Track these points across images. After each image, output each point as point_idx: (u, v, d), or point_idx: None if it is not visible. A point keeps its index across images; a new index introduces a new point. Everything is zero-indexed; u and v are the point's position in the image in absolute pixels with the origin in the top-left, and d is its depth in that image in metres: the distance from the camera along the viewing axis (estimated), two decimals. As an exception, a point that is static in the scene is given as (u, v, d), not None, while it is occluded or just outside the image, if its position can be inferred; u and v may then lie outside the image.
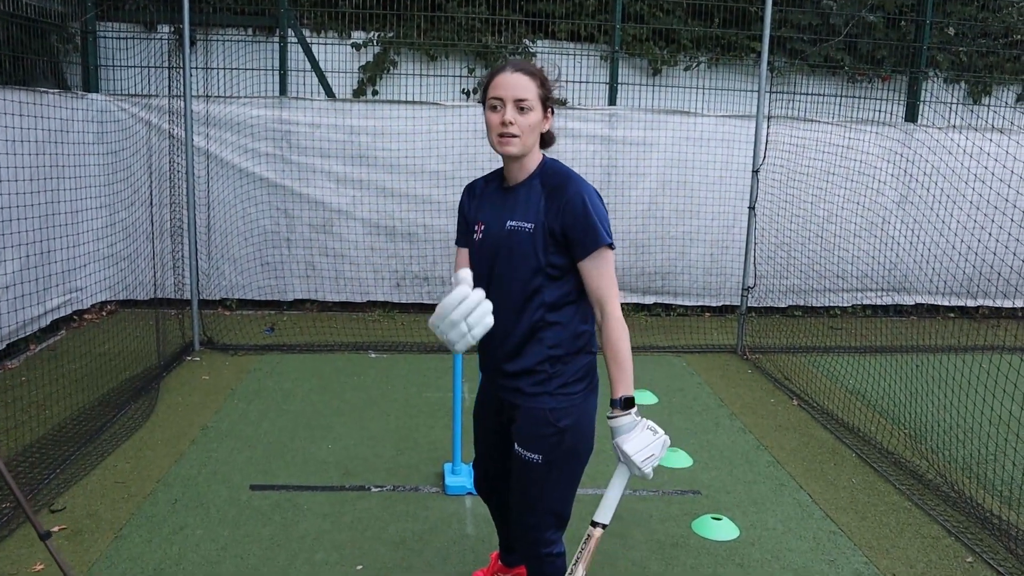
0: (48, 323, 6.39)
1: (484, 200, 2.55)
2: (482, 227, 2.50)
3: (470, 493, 4.02)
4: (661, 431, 2.34)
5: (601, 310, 2.35)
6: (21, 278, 5.81)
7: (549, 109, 2.40)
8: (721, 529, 3.72)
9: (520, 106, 2.32)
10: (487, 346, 2.51)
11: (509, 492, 2.63)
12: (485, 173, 2.56)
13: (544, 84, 2.37)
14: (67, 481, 4.02)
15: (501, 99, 2.32)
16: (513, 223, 2.40)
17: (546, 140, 2.48)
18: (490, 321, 2.19)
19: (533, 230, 2.35)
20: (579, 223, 2.30)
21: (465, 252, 2.59)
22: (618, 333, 2.31)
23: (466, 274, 2.24)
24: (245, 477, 4.14)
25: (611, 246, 2.34)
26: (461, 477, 4.07)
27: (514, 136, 2.33)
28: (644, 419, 2.34)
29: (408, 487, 4.09)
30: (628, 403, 2.31)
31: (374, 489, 4.06)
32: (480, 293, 2.20)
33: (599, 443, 2.59)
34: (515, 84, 2.32)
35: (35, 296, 6.05)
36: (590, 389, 2.49)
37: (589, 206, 2.31)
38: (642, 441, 2.29)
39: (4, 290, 5.56)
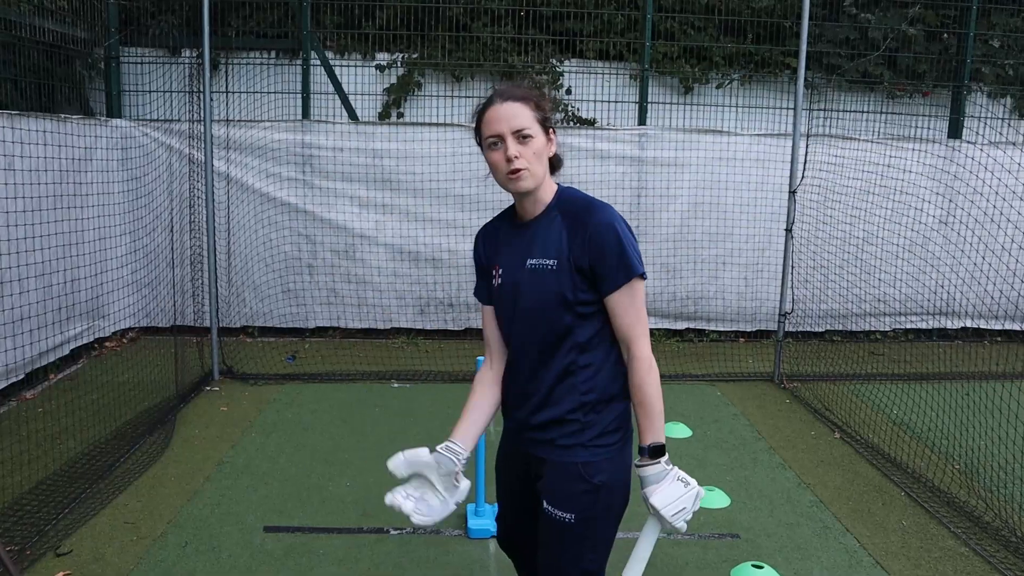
0: (68, 352, 6.30)
1: (499, 242, 2.32)
2: (500, 271, 2.27)
3: (494, 536, 3.80)
4: (694, 482, 2.12)
5: (628, 349, 2.14)
6: (43, 308, 5.73)
7: (551, 130, 2.19)
8: (762, 579, 3.47)
9: (520, 136, 2.10)
10: (512, 395, 2.30)
11: (536, 551, 2.41)
12: (508, 196, 2.28)
13: (539, 105, 2.15)
14: (76, 521, 3.87)
15: (499, 135, 2.11)
16: (533, 261, 2.17)
17: (554, 165, 2.25)
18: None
19: (557, 266, 2.13)
20: (609, 253, 2.08)
21: (491, 310, 2.35)
22: (646, 376, 2.11)
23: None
24: (259, 518, 3.97)
25: (643, 276, 2.13)
26: (485, 520, 3.86)
27: (523, 169, 2.11)
28: (675, 468, 2.14)
29: (429, 530, 3.88)
30: (657, 451, 2.11)
31: (393, 532, 3.86)
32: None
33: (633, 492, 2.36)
34: (510, 115, 2.10)
35: (56, 325, 5.96)
36: (626, 440, 2.25)
37: (620, 234, 2.09)
38: (672, 493, 2.09)
39: (23, 321, 5.46)
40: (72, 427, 5.01)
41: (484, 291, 2.37)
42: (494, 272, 2.29)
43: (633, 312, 2.12)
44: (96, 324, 6.67)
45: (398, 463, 2.12)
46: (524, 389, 2.24)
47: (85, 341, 6.56)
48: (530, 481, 2.33)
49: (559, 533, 2.19)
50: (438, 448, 2.18)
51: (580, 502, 2.15)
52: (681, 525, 2.10)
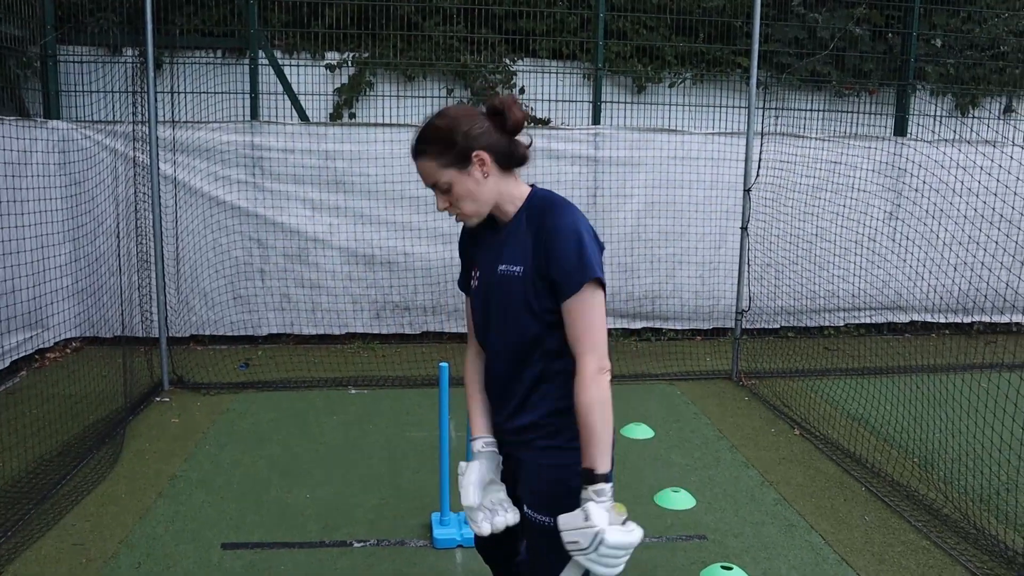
0: (7, 364, 6.04)
1: (479, 241, 2.24)
2: (476, 272, 2.22)
3: (460, 546, 3.73)
4: (597, 523, 1.83)
5: (575, 362, 1.99)
6: (-22, 318, 5.48)
7: (473, 156, 2.03)
8: (732, 581, 3.46)
9: (440, 189, 2.07)
10: (491, 398, 2.25)
11: (512, 557, 2.37)
12: None
13: (444, 149, 2.03)
14: (19, 545, 3.68)
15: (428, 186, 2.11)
16: (503, 267, 2.10)
17: (514, 162, 2.12)
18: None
19: (523, 273, 2.05)
20: (565, 257, 1.97)
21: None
22: (583, 394, 1.94)
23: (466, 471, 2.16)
24: (216, 534, 3.83)
25: (601, 282, 1.99)
26: (450, 528, 3.78)
27: (461, 213, 2.10)
28: (598, 502, 1.88)
29: (393, 541, 3.79)
30: (588, 477, 1.92)
31: (356, 544, 3.75)
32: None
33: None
34: (423, 172, 2.07)
35: (-7, 336, 5.72)
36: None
37: (579, 237, 1.98)
38: (570, 521, 1.89)
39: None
40: (13, 444, 4.77)
41: (466, 282, 2.32)
42: (472, 272, 2.25)
43: (583, 323, 1.98)
44: (37, 335, 6.41)
45: (473, 495, 2.11)
46: (500, 393, 2.19)
47: (25, 352, 6.30)
48: (509, 485, 2.25)
49: (540, 538, 2.11)
50: (479, 448, 2.20)
51: (558, 505, 2.02)
52: (594, 567, 1.85)
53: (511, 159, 2.10)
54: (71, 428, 5.08)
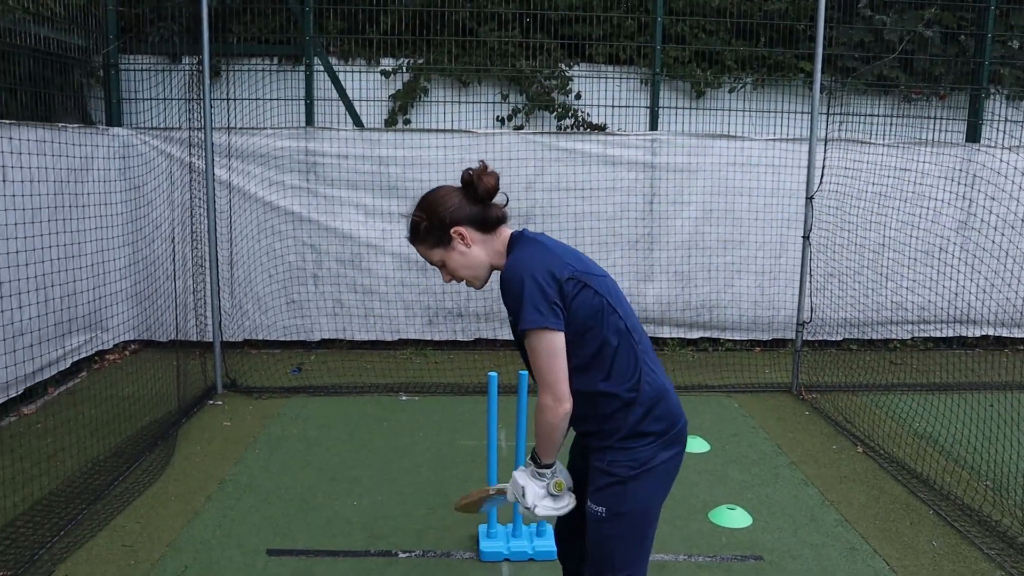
0: (69, 365, 6.15)
1: None
2: None
3: (507, 559, 3.64)
4: (520, 481, 2.31)
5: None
6: (42, 322, 5.58)
7: (453, 232, 2.26)
8: (791, 606, 3.29)
9: (438, 266, 2.33)
10: None
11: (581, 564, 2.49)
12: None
13: (428, 227, 2.26)
14: (72, 545, 3.71)
15: None
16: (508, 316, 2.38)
17: (490, 225, 2.30)
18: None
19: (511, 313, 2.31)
20: (510, 304, 2.18)
21: None
22: (538, 415, 2.21)
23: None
24: (262, 540, 3.81)
25: (543, 328, 2.13)
26: (497, 541, 3.70)
27: (462, 279, 2.34)
28: (525, 471, 2.32)
29: (439, 552, 3.72)
30: (533, 456, 2.30)
31: (402, 555, 3.69)
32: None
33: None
34: (421, 255, 2.35)
35: (56, 340, 5.82)
36: (663, 444, 2.28)
37: (522, 286, 2.14)
38: (518, 479, 2.33)
39: (22, 336, 5.32)
40: (71, 444, 4.86)
41: None
42: None
43: (534, 363, 2.17)
44: (97, 336, 6.53)
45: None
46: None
47: (86, 354, 6.42)
48: (582, 485, 2.42)
49: (592, 527, 2.30)
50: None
51: (608, 495, 2.26)
52: (517, 500, 2.32)
53: (487, 223, 2.29)
54: (126, 429, 5.14)
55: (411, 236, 2.32)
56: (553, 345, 2.13)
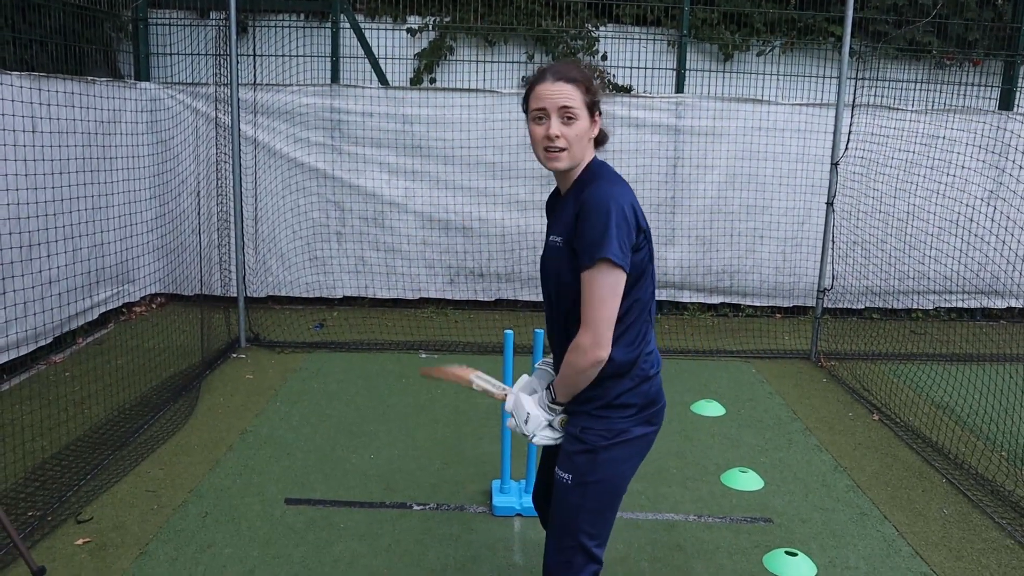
0: (96, 316, 6.29)
1: (550, 211, 2.40)
2: (545, 240, 2.34)
3: (519, 515, 3.71)
4: (528, 408, 2.31)
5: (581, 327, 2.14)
6: (71, 272, 5.70)
7: (597, 113, 2.22)
8: (796, 567, 3.34)
9: (566, 115, 2.14)
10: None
11: None
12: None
13: (590, 89, 2.17)
14: (97, 488, 3.84)
15: (545, 110, 2.15)
16: (552, 237, 2.24)
17: (599, 141, 2.29)
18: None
19: (563, 243, 2.17)
20: (588, 230, 2.06)
21: None
22: (570, 355, 2.15)
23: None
24: (281, 489, 3.91)
25: (614, 263, 2.04)
26: (510, 496, 3.77)
27: (562, 150, 2.15)
28: (551, 407, 2.30)
29: (453, 506, 3.80)
30: (550, 393, 2.29)
31: (416, 507, 3.78)
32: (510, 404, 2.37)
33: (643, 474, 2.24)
34: (558, 93, 2.13)
35: (84, 289, 5.95)
36: (640, 419, 2.25)
37: (608, 214, 2.04)
38: (524, 402, 2.32)
39: (51, 284, 5.44)
40: (98, 392, 4.99)
41: None
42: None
43: (587, 296, 2.08)
44: (124, 288, 6.65)
45: (510, 392, 2.40)
46: (556, 357, 2.36)
47: (114, 305, 6.55)
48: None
49: (559, 494, 2.28)
50: (537, 365, 2.48)
51: (576, 463, 2.23)
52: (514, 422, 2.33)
53: (601, 134, 2.28)
54: (151, 380, 5.26)
55: (574, 75, 2.16)
56: (618, 286, 2.08)
